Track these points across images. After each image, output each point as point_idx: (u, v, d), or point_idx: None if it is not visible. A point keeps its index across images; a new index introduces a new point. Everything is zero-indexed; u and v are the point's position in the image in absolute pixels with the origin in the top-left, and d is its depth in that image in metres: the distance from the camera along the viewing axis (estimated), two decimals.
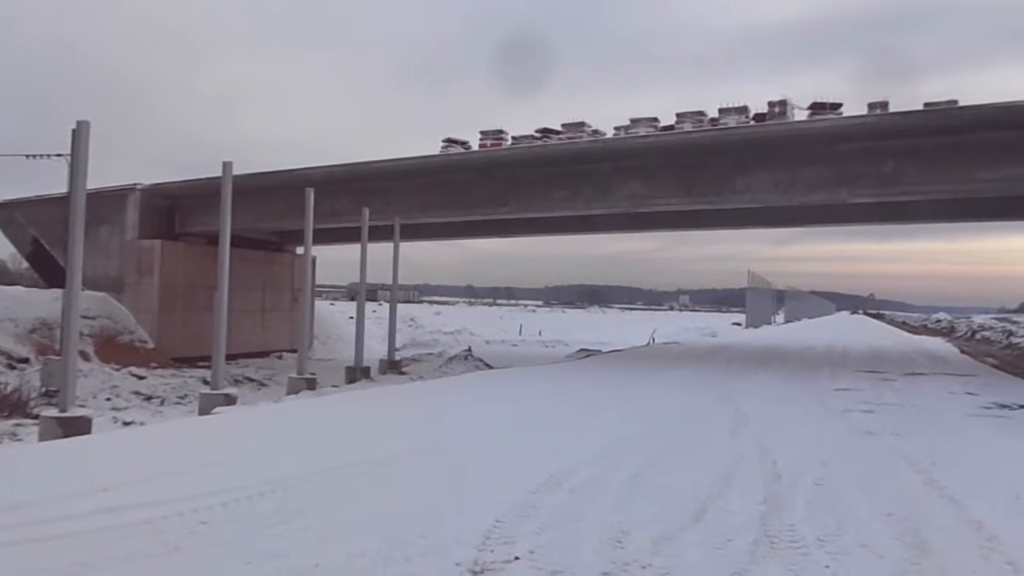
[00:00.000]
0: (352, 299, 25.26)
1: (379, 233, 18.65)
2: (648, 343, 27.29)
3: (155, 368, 18.87)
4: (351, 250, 18.88)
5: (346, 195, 19.61)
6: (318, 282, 32.82)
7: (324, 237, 21.63)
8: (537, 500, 4.91)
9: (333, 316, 32.64)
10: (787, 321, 60.28)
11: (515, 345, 31.88)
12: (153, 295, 22.18)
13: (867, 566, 3.85)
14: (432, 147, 19.53)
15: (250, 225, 21.49)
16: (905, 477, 5.92)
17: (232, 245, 11.79)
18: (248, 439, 7.25)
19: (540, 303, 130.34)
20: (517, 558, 3.86)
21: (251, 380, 18.50)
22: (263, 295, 25.56)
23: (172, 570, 3.63)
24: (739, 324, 49.56)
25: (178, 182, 23.20)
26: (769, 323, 52.37)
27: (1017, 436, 8.09)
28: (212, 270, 12.03)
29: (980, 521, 4.64)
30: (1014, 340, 31.28)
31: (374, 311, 34.39)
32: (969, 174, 14.36)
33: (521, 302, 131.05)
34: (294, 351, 17.58)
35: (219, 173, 11.77)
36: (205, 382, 14.88)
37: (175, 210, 23.69)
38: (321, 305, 35.05)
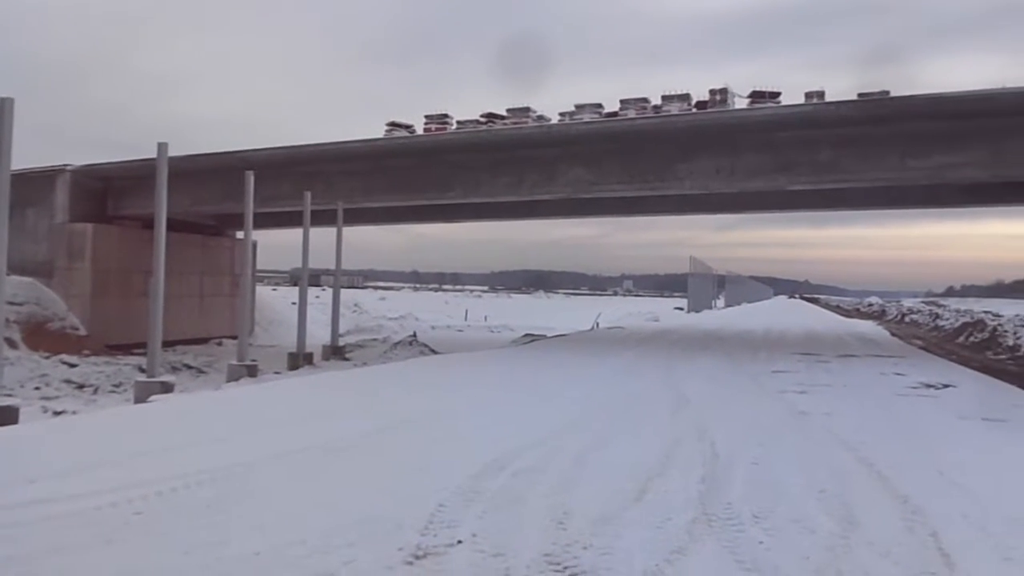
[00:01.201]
0: (295, 284, 24.85)
1: (322, 217, 18.38)
2: (592, 328, 27.56)
3: (88, 356, 18.27)
4: (293, 235, 18.58)
5: (288, 178, 19.25)
6: (260, 267, 32.19)
7: (265, 221, 21.16)
8: (480, 484, 4.93)
9: (275, 302, 32.08)
10: (727, 305, 61.56)
11: (461, 331, 31.86)
12: (85, 280, 21.45)
13: (799, 541, 3.98)
14: (377, 131, 19.30)
15: (188, 208, 20.93)
16: (837, 455, 6.12)
17: (169, 229, 11.47)
18: (185, 427, 7.08)
19: (486, 288, 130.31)
20: (460, 541, 3.87)
21: (190, 367, 18.08)
22: (202, 280, 24.97)
23: (103, 563, 3.52)
24: (681, 309, 50.42)
25: (111, 163, 22.43)
26: (710, 308, 53.39)
27: (941, 414, 8.44)
28: (148, 254, 11.69)
29: (906, 496, 4.84)
30: (940, 323, 32.57)
31: (317, 297, 33.94)
32: (900, 163, 14.86)
33: (467, 287, 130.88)
34: (234, 338, 17.25)
35: (155, 154, 11.41)
36: (141, 370, 14.48)
37: (108, 192, 22.91)
38: (263, 291, 34.41)
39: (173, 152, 11.81)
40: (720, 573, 3.53)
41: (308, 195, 16.83)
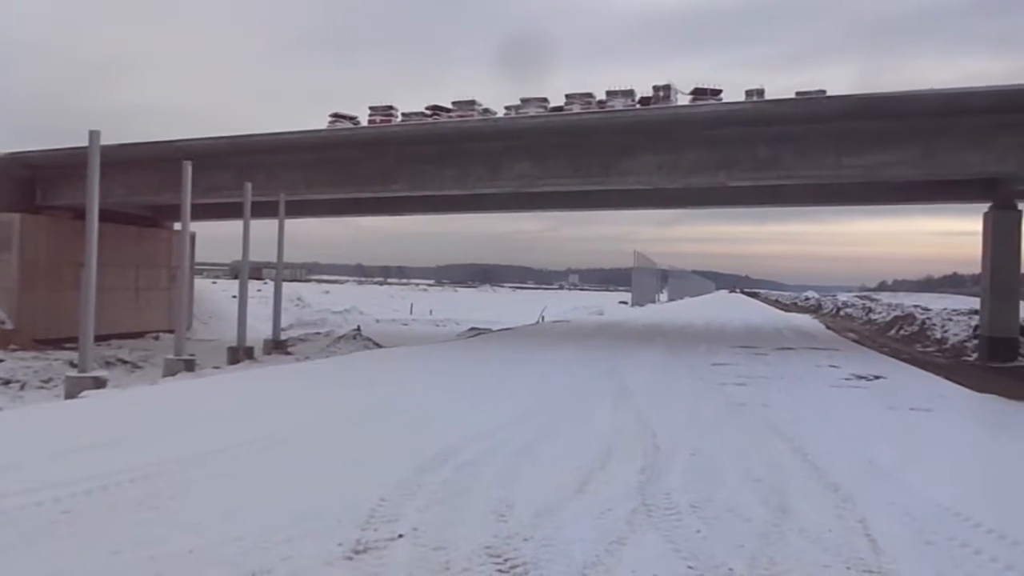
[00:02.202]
0: (235, 277, 24.29)
1: (264, 209, 18.00)
2: (538, 322, 27.69)
3: (15, 350, 17.56)
4: (234, 226, 18.11)
5: (228, 169, 18.78)
6: (199, 260, 31.46)
7: (205, 213, 20.66)
8: (422, 478, 4.91)
9: (215, 295, 31.35)
10: (670, 299, 62.52)
11: (406, 324, 31.64)
12: (12, 273, 20.60)
13: (734, 529, 4.07)
14: (320, 122, 18.96)
15: (123, 199, 20.28)
16: (773, 445, 6.28)
17: (102, 220, 11.07)
18: (117, 423, 6.88)
19: (431, 282, 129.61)
20: (401, 536, 3.85)
21: (124, 362, 17.53)
22: (137, 273, 24.24)
23: (27, 564, 3.39)
24: (625, 303, 50.97)
25: (40, 151, 21.51)
26: (654, 301, 54.14)
27: (871, 405, 8.73)
28: (79, 246, 11.27)
29: (837, 484, 4.99)
30: (873, 316, 33.67)
31: (259, 290, 33.26)
32: (836, 160, 15.25)
33: (412, 281, 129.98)
34: (172, 332, 16.78)
35: (88, 143, 10.99)
36: (72, 365, 13.98)
37: (37, 182, 22.01)
38: (202, 284, 33.59)
39: (108, 141, 11.41)
40: (658, 562, 3.58)
41: (248, 186, 16.46)
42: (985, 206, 18.26)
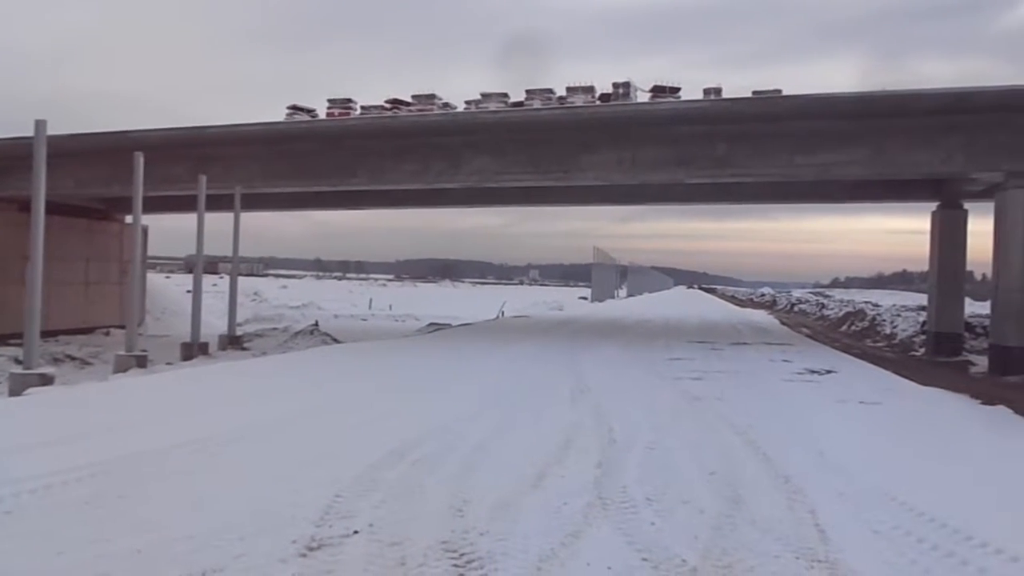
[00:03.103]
0: (190, 272, 23.82)
1: (220, 202, 17.67)
2: (497, 317, 27.70)
3: None
4: (189, 220, 17.76)
5: (183, 161, 18.40)
6: (152, 253, 30.75)
7: (158, 205, 20.23)
8: (379, 474, 4.88)
9: (168, 290, 30.72)
10: (629, 295, 63.08)
11: (364, 319, 31.40)
12: None
13: (688, 521, 4.13)
14: (277, 114, 18.68)
15: (72, 191, 19.73)
16: (727, 438, 6.38)
17: (50, 212, 10.78)
18: (64, 421, 6.70)
19: (391, 277, 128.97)
20: (356, 532, 3.82)
21: (73, 358, 17.10)
22: (87, 267, 23.64)
23: None
24: (585, 298, 51.31)
25: None
26: (613, 297, 54.58)
27: (823, 398, 8.92)
28: (25, 239, 10.94)
29: (788, 475, 5.10)
30: (826, 312, 34.39)
31: (214, 285, 32.71)
32: (790, 159, 15.53)
33: (372, 276, 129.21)
34: (124, 327, 16.40)
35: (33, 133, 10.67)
36: (18, 361, 13.59)
37: None
38: (155, 278, 32.89)
39: (59, 131, 11.09)
40: (613, 555, 3.61)
41: (203, 179, 16.14)
42: (933, 205, 18.77)
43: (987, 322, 16.79)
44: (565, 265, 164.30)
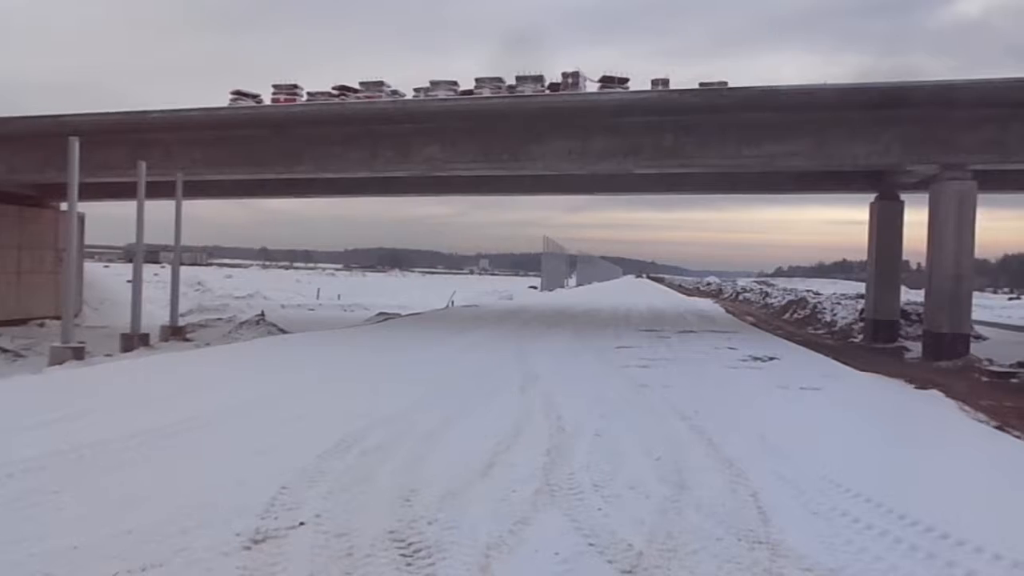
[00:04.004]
0: (130, 261, 23.14)
1: (161, 189, 17.19)
2: (447, 306, 27.62)
3: None
4: (128, 207, 17.23)
5: (121, 146, 17.84)
6: (89, 242, 29.80)
7: (95, 192, 19.60)
8: (326, 464, 4.83)
9: (108, 279, 29.81)
10: (579, 284, 63.55)
11: (312, 310, 30.96)
12: None
13: (634, 505, 4.19)
14: (221, 99, 18.24)
15: (3, 177, 19.07)
16: (672, 424, 6.49)
17: None
18: None
19: (339, 266, 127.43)
20: (302, 523, 3.78)
21: (5, 351, 16.48)
22: (19, 256, 22.78)
23: None
24: (535, 287, 51.48)
25: None
26: (563, 286, 54.91)
27: (766, 384, 9.13)
28: None
29: (731, 460, 5.21)
30: (770, 301, 35.19)
31: (156, 274, 31.89)
32: (736, 150, 15.80)
33: (319, 265, 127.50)
34: (59, 318, 15.87)
35: None
36: None
37: None
38: (93, 267, 31.89)
39: None
40: (560, 541, 3.65)
41: (143, 165, 15.66)
42: (872, 196, 19.32)
43: (922, 309, 17.39)
44: (515, 255, 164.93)
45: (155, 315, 18.37)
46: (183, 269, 19.41)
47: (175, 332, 16.17)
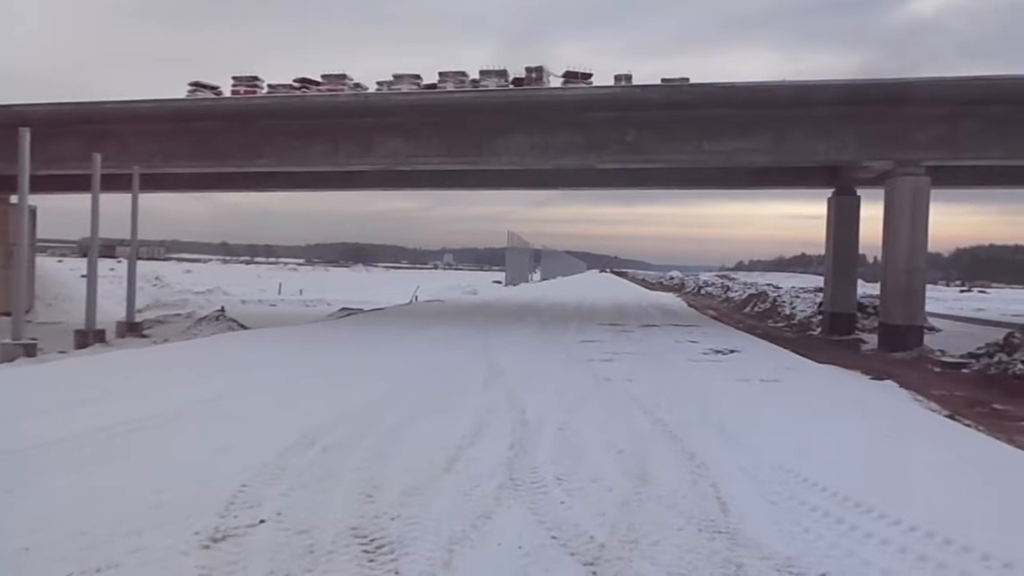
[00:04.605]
0: (84, 255, 22.60)
1: (116, 182, 16.80)
2: (411, 301, 27.50)
3: None
4: (83, 200, 16.83)
5: (75, 138, 17.44)
6: (43, 236, 29.09)
7: (48, 185, 19.08)
8: (287, 461, 4.78)
9: (61, 274, 29.07)
10: (543, 279, 63.72)
11: (274, 305, 30.57)
12: None
13: (597, 498, 4.22)
14: (179, 90, 17.93)
15: None
16: (635, 417, 6.54)
17: None
18: None
19: (302, 261, 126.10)
20: (263, 521, 3.73)
21: None
22: None
23: None
24: (500, 282, 51.51)
25: None
26: (527, 281, 55.01)
27: (726, 377, 9.25)
28: None
29: (692, 452, 5.27)
30: (731, 295, 35.67)
31: (112, 269, 31.24)
32: (698, 146, 15.99)
33: (281, 260, 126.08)
34: (9, 314, 15.45)
35: None
36: None
37: None
38: (46, 262, 31.14)
39: None
40: (523, 534, 3.66)
41: (98, 157, 15.30)
42: (829, 192, 19.68)
43: (878, 302, 17.78)
44: (480, 249, 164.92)
45: (111, 311, 17.97)
46: (140, 264, 19.03)
47: (132, 328, 15.86)
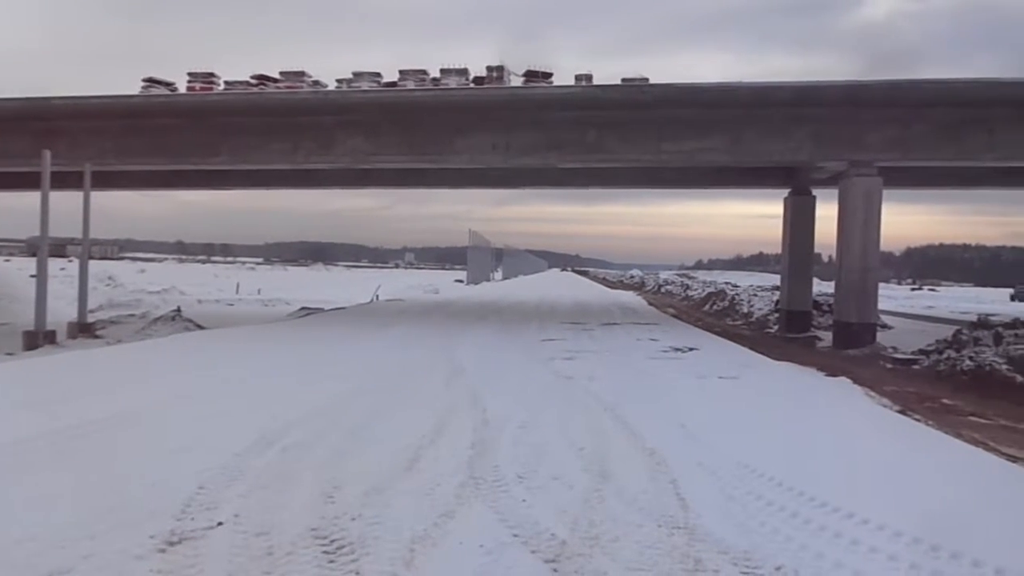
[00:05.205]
0: (34, 255, 21.99)
1: (67, 180, 16.39)
2: (372, 301, 27.30)
3: None
4: (32, 198, 16.38)
5: (22, 134, 16.96)
6: None
7: None
8: (245, 463, 4.72)
9: (9, 274, 28.21)
10: (505, 278, 63.74)
11: (231, 305, 30.08)
12: None
13: (558, 496, 4.24)
14: (133, 87, 17.50)
15: None
16: (596, 415, 6.59)
17: None
18: None
19: (260, 260, 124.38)
20: (220, 523, 3.68)
21: None
22: None
23: None
24: (461, 281, 51.40)
25: None
26: (489, 280, 54.99)
27: (686, 374, 9.37)
28: None
29: (652, 449, 5.33)
30: (690, 293, 36.10)
31: (63, 269, 30.47)
32: (657, 146, 16.14)
33: (239, 259, 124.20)
34: None
35: None
36: None
37: None
38: None
39: None
40: (485, 533, 3.67)
41: (47, 154, 14.89)
42: (785, 192, 20.02)
43: (832, 300, 18.15)
44: (441, 248, 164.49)
45: (62, 311, 17.52)
46: (92, 263, 18.59)
47: (84, 329, 15.49)
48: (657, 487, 4.45)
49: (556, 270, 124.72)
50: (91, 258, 17.77)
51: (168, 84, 17.63)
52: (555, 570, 3.28)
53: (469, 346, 11.86)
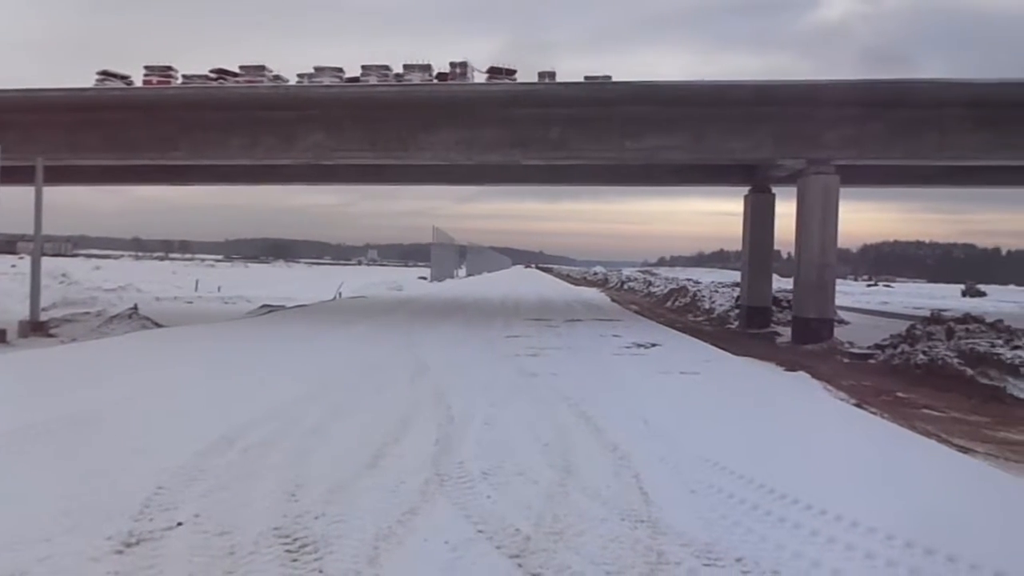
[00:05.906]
0: None
1: (18, 175, 15.94)
2: (334, 298, 27.06)
3: None
4: None
5: None
6: None
7: None
8: (206, 462, 4.65)
9: None
10: (469, 275, 63.63)
11: (190, 302, 29.56)
12: None
13: (523, 492, 4.26)
14: (87, 79, 17.09)
15: None
16: (560, 411, 6.62)
17: None
18: None
19: (220, 257, 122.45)
20: (180, 524, 3.63)
21: None
22: None
23: None
24: (425, 278, 51.17)
25: None
26: (453, 277, 54.85)
27: (648, 370, 9.46)
28: None
29: (615, 444, 5.37)
30: (653, 289, 36.45)
31: (13, 266, 29.68)
32: (620, 143, 16.25)
33: (198, 256, 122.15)
34: None
35: None
36: None
37: None
38: None
39: None
40: (450, 530, 3.66)
41: None
42: (746, 189, 20.31)
43: (791, 297, 18.46)
44: (405, 245, 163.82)
45: (12, 310, 17.09)
46: (45, 260, 18.14)
47: (36, 327, 15.10)
48: (620, 482, 4.49)
49: (520, 267, 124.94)
50: (44, 255, 17.33)
51: (124, 77, 17.25)
52: (520, 565, 3.29)
53: (433, 343, 11.83)
